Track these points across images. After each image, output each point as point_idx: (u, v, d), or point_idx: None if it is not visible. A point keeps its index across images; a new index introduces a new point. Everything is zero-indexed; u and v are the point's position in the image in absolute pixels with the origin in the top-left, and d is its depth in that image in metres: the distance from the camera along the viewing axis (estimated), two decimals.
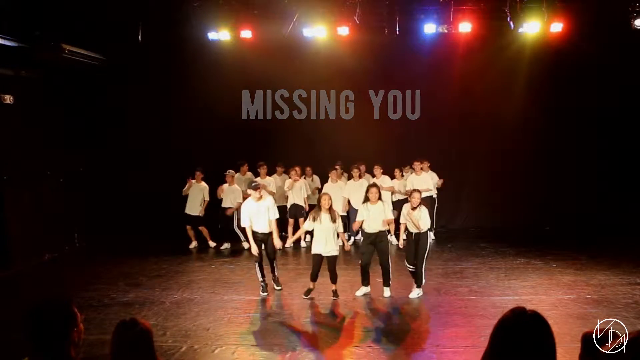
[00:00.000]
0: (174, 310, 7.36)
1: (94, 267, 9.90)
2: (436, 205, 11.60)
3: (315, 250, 7.76)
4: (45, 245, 10.54)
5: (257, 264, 8.13)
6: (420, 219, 7.79)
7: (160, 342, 6.08)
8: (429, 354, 5.84)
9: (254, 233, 8.09)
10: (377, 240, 7.79)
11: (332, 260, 7.72)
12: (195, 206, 11.23)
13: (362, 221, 7.88)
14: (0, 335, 5.99)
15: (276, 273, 8.31)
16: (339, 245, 7.99)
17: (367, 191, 7.88)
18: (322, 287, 8.09)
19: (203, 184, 11.28)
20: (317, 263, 7.73)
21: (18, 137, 10.07)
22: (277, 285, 8.31)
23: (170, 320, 6.92)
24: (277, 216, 8.21)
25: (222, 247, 11.28)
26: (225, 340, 6.25)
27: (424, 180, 11.00)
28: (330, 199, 7.78)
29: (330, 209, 7.70)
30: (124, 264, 10.00)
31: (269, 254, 8.19)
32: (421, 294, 7.86)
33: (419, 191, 8.12)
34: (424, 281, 7.91)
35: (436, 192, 11.56)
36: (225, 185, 11.16)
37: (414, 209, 7.85)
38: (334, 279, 7.81)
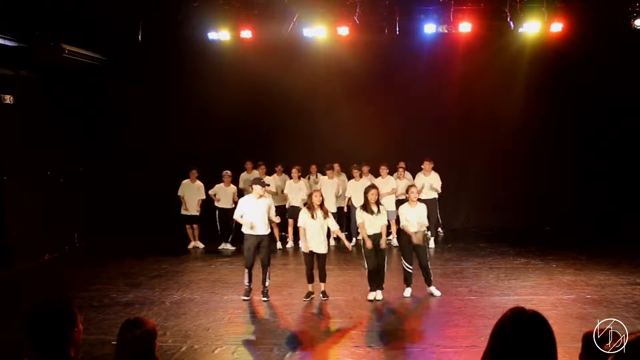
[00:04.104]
0: (174, 310, 7.36)
1: (94, 267, 9.90)
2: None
3: (308, 248, 7.63)
4: (45, 245, 10.54)
5: (246, 270, 7.72)
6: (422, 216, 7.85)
7: (160, 342, 6.03)
8: (429, 354, 5.84)
9: (248, 235, 7.73)
10: (375, 243, 7.59)
11: (322, 258, 7.68)
12: (193, 206, 11.31)
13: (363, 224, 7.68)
14: (0, 335, 5.99)
15: (267, 283, 7.76)
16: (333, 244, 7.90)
17: (365, 192, 7.69)
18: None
19: (198, 182, 11.36)
20: (309, 261, 7.70)
21: (18, 137, 10.07)
22: (264, 297, 7.71)
23: (170, 320, 6.92)
24: (279, 219, 8.11)
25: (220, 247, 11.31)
26: (225, 340, 6.25)
27: (433, 181, 10.97)
28: (321, 195, 7.70)
29: (322, 206, 7.60)
30: (124, 264, 10.00)
31: (262, 260, 7.72)
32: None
33: (414, 185, 8.15)
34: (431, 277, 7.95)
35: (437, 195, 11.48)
36: (221, 185, 11.15)
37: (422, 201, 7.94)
38: (323, 278, 7.76)
